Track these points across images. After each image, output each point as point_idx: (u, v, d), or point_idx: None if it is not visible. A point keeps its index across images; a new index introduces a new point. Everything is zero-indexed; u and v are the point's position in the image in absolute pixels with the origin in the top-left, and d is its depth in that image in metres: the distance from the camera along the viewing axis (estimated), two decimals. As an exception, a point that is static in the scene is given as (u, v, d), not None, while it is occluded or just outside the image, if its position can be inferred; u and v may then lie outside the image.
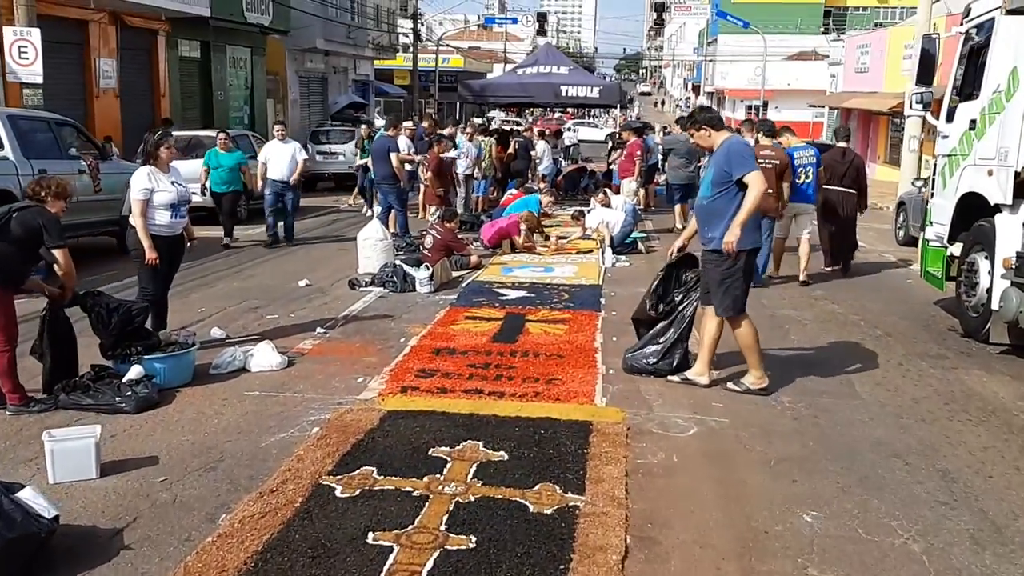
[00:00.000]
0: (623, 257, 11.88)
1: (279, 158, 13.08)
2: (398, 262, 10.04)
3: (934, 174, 9.29)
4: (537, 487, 4.45)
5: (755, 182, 5.86)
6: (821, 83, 47.05)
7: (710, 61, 70.44)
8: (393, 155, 12.30)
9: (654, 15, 39.81)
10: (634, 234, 13.09)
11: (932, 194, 9.31)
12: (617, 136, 18.93)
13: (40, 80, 14.05)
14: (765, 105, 49.21)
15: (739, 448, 5.25)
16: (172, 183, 6.87)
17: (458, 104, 44.20)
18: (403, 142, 17.07)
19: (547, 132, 21.35)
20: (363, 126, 18.71)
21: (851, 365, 7.19)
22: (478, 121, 35.54)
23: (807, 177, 10.57)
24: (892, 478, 4.84)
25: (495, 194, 18.65)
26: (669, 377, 6.46)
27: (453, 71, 46.09)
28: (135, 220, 6.72)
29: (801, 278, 10.67)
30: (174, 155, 7.12)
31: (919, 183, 14.31)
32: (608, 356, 7.10)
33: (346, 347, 7.27)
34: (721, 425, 5.60)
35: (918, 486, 4.73)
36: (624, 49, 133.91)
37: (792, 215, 10.64)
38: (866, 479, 4.81)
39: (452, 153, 15.99)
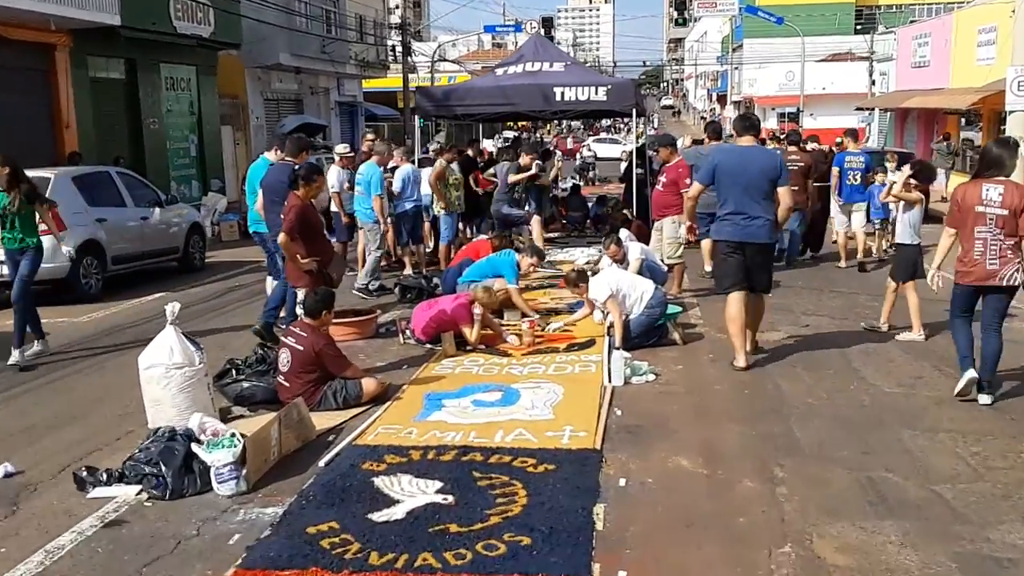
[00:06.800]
0: (644, 366, 6.76)
1: None
2: (200, 420, 5.01)
3: None
4: None
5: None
6: (859, 86, 42.79)
7: (736, 68, 65.70)
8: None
9: (674, 13, 35.38)
10: (668, 308, 8.03)
11: None
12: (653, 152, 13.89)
13: None
14: (799, 112, 44.58)
15: None
16: None
17: (447, 126, 39.29)
18: (334, 174, 12.31)
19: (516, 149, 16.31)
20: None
21: None
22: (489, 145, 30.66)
23: (855, 179, 11.82)
24: None
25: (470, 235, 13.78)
26: None
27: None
28: None
29: (859, 258, 11.75)
30: None
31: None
32: None
33: None
34: None
35: None
36: (644, 62, 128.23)
37: (848, 211, 11.94)
38: None
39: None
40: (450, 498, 4.44)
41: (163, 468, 4.59)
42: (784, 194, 6.93)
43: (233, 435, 4.77)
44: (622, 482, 4.67)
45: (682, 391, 6.37)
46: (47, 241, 10.45)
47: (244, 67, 25.98)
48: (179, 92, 22.61)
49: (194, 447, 4.67)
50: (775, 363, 7.10)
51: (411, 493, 4.53)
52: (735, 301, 6.86)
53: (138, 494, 4.61)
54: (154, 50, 20.63)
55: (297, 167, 6.94)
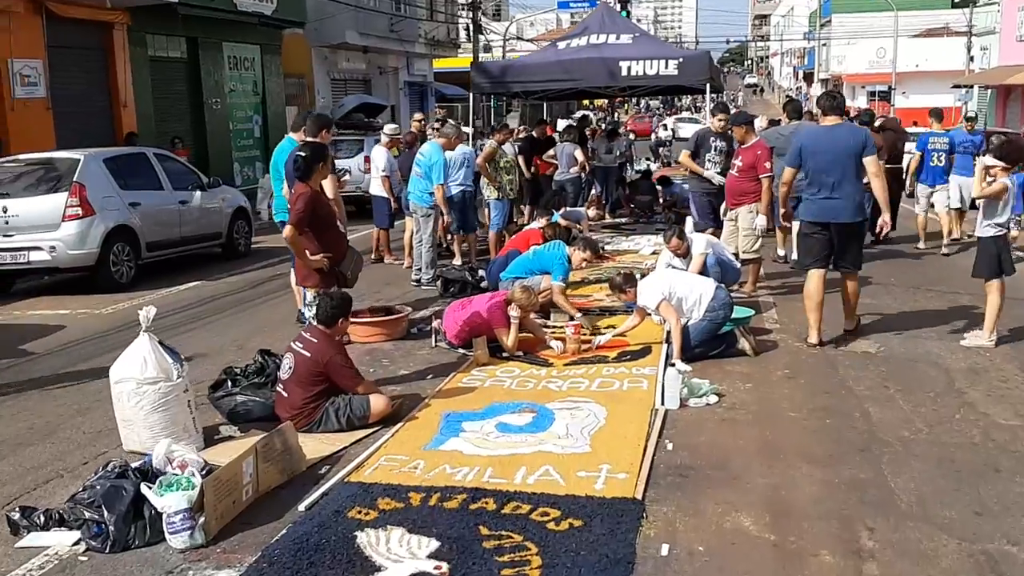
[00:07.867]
0: (705, 384, 5.74)
1: None
2: (167, 448, 4.21)
3: None
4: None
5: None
6: (956, 62, 40.57)
7: (823, 44, 63.08)
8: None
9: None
10: (737, 311, 6.98)
11: None
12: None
13: None
14: (890, 91, 42.44)
15: None
16: None
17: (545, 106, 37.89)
18: (381, 155, 11.58)
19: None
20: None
21: None
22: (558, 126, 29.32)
23: (939, 161, 11.48)
24: None
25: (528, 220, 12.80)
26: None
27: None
28: None
29: (944, 242, 11.27)
30: None
31: None
32: None
33: None
34: None
35: None
36: (728, 39, 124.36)
37: (929, 194, 11.63)
38: None
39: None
40: (444, 567, 3.54)
41: (105, 513, 3.80)
42: (871, 163, 6.69)
43: (193, 473, 3.95)
44: (664, 549, 3.69)
45: (749, 419, 5.33)
46: (74, 226, 10.06)
47: (310, 46, 25.50)
48: (242, 71, 22.19)
49: (144, 488, 3.88)
50: (864, 382, 6.00)
51: (397, 557, 3.65)
52: (815, 277, 6.83)
53: (75, 543, 3.84)
54: (216, 28, 20.24)
55: (300, 151, 6.06)
